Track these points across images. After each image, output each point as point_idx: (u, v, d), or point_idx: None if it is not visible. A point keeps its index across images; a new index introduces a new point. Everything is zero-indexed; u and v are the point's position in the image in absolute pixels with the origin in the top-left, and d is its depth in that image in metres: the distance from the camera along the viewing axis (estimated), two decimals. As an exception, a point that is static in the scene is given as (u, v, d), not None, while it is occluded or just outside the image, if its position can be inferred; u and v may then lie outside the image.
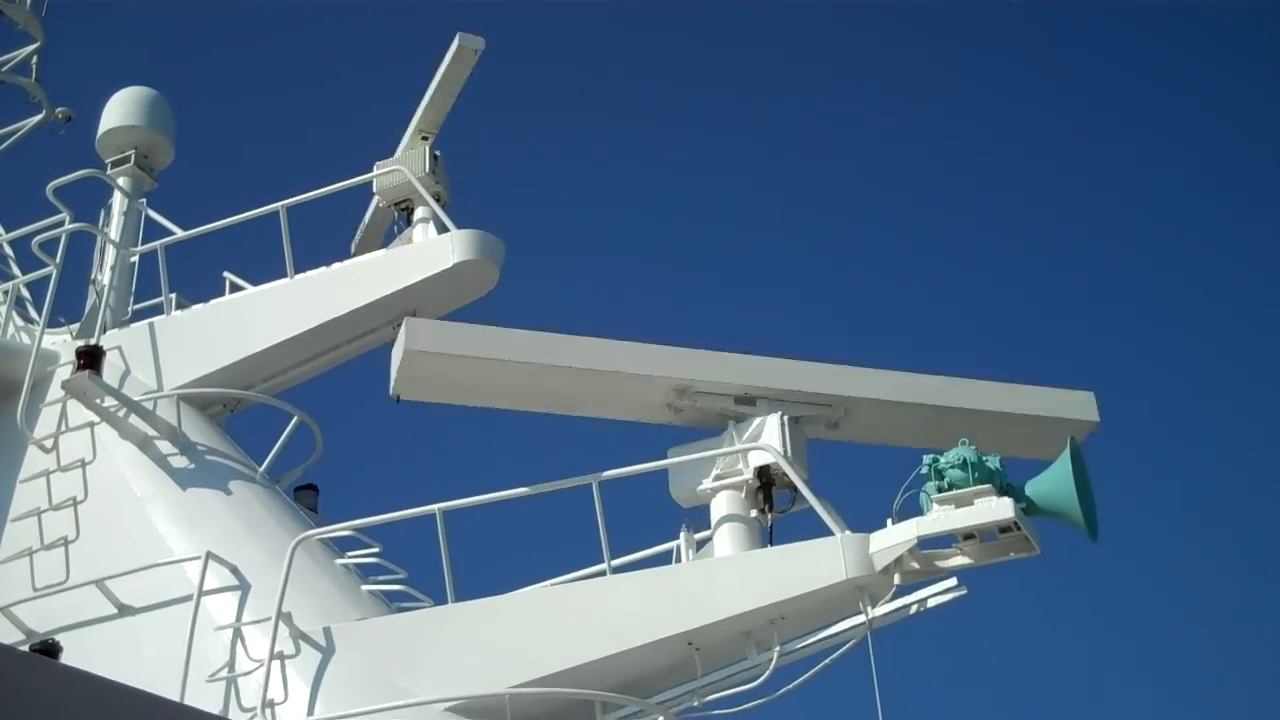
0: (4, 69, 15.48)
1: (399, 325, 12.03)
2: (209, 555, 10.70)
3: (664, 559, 10.54)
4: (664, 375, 10.61)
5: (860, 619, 9.65)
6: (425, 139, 12.60)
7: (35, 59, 15.52)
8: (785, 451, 10.24)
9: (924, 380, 10.96)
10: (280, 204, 12.33)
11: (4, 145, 15.38)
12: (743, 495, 10.30)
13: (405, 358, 10.40)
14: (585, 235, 32.50)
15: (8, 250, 14.06)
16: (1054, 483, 9.70)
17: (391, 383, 10.50)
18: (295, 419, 12.03)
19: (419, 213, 12.48)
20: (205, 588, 10.58)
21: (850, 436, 10.91)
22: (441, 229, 12.14)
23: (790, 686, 9.84)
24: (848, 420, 10.76)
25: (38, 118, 15.42)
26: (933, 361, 11.23)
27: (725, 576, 9.85)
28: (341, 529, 10.97)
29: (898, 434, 10.97)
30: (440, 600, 10.35)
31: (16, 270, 13.86)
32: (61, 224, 12.77)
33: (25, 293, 13.60)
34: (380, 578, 10.94)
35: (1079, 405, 11.05)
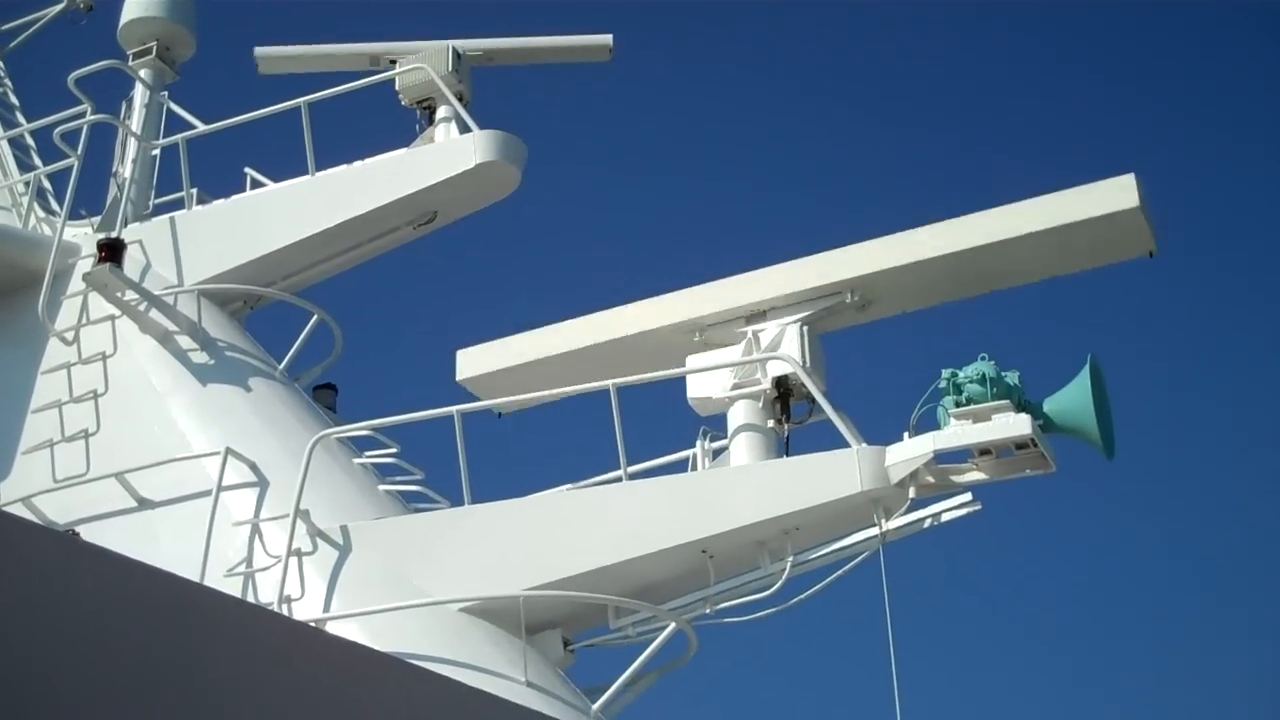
0: (25, -44, 15.31)
1: (420, 225, 12.11)
2: (228, 451, 10.76)
3: (680, 467, 10.57)
4: (675, 323, 10.86)
5: (874, 531, 9.69)
6: (479, 60, 12.52)
7: (55, -53, 15.33)
8: (804, 362, 10.22)
9: (930, 234, 10.33)
10: (302, 99, 12.22)
11: (25, 35, 15.24)
12: (760, 405, 10.31)
13: (469, 384, 11.48)
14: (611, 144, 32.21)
15: (29, 141, 14.00)
16: (1072, 400, 9.68)
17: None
18: (315, 317, 12.04)
19: (441, 112, 12.39)
20: (224, 483, 10.65)
21: (882, 313, 10.69)
22: (464, 129, 12.06)
23: (802, 596, 9.92)
24: (872, 300, 10.59)
25: (59, 7, 15.21)
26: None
27: (740, 485, 9.89)
28: (360, 428, 11.01)
29: (928, 296, 10.59)
30: (457, 502, 10.42)
31: (38, 161, 13.81)
32: (83, 115, 12.67)
33: (46, 184, 13.54)
34: (398, 478, 11.00)
35: (1116, 194, 9.88)
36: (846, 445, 9.76)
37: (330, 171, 12.28)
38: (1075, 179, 10.15)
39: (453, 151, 11.95)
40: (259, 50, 13.31)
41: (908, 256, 10.41)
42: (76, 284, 12.21)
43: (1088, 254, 10.28)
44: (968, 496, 9.72)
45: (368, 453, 11.11)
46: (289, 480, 10.48)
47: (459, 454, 10.17)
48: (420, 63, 12.46)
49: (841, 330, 10.75)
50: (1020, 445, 9.55)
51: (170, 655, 6.20)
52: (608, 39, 12.92)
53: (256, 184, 12.56)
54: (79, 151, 12.61)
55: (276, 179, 12.49)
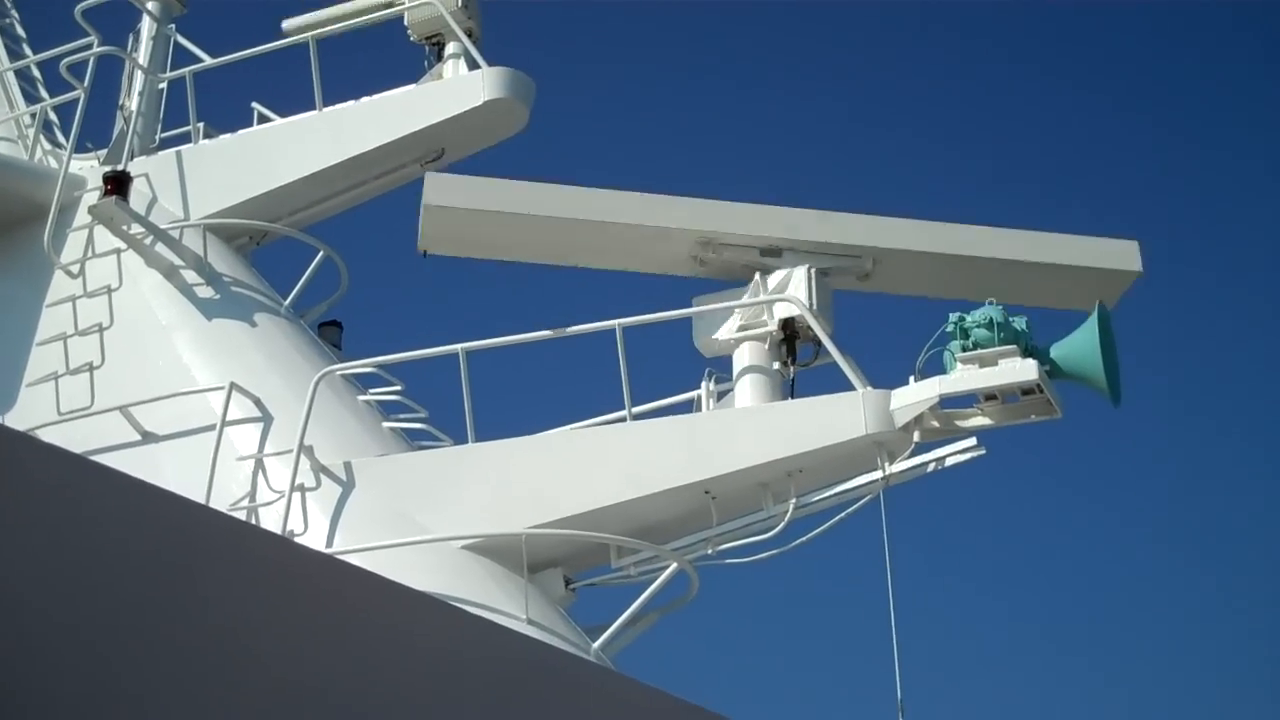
0: (33, -115, 15.16)
1: (427, 162, 12.04)
2: (232, 386, 10.74)
3: (685, 408, 10.55)
4: (688, 228, 10.57)
5: (877, 475, 9.68)
6: None
7: (63, -125, 15.18)
8: (811, 304, 10.19)
9: (957, 231, 10.79)
10: (310, 34, 12.15)
11: (32, -35, 15.15)
12: (766, 347, 10.28)
13: (427, 214, 10.50)
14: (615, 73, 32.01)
15: (35, 73, 13.91)
16: (1079, 346, 9.66)
17: (419, 239, 10.53)
18: (321, 253, 11.99)
19: (450, 48, 12.30)
20: (228, 418, 10.64)
21: (880, 288, 10.82)
22: (473, 66, 11.99)
23: (804, 539, 9.92)
24: (878, 271, 10.68)
25: (67, -63, 15.12)
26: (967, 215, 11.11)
27: (744, 427, 9.88)
28: (365, 365, 11.00)
29: (929, 285, 10.86)
30: (461, 440, 10.41)
31: (44, 93, 13.73)
32: (90, 47, 12.59)
33: (53, 116, 13.47)
34: (402, 416, 10.99)
35: (1121, 255, 10.79)
36: (852, 388, 9.75)
37: (338, 107, 12.21)
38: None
39: (461, 88, 11.87)
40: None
41: (931, 246, 10.62)
42: (82, 217, 12.17)
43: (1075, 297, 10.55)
44: (972, 441, 9.70)
45: (372, 390, 11.10)
46: (293, 416, 10.47)
47: (463, 392, 10.17)
48: (429, -1, 12.37)
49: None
50: (1026, 391, 9.52)
51: (177, 577, 6.21)
52: None
53: (264, 119, 12.51)
54: (85, 84, 12.52)
55: (284, 114, 12.43)
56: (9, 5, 14.82)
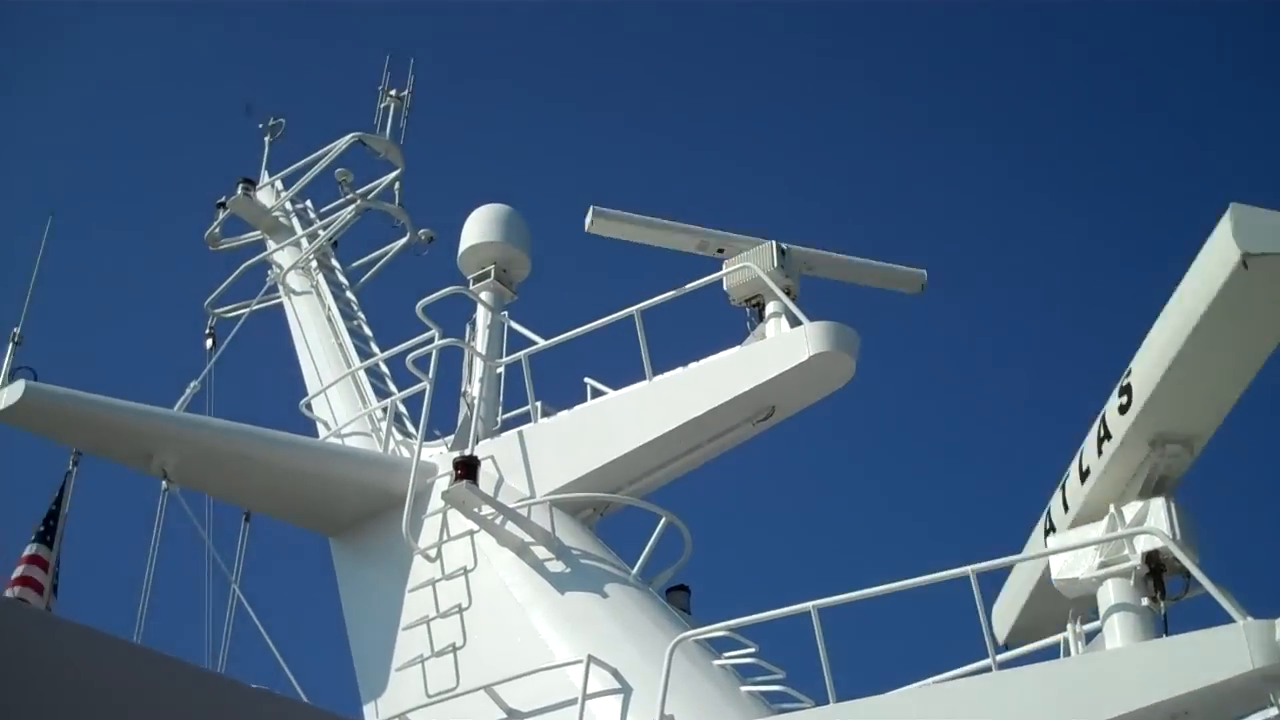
0: (370, 196, 16.40)
1: (758, 421, 12.20)
2: (590, 659, 10.91)
3: (1051, 653, 10.16)
4: None
5: (1271, 712, 9.05)
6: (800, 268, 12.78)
7: (397, 185, 16.39)
8: (1174, 535, 9.75)
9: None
10: (635, 308, 12.61)
11: (375, 269, 16.28)
12: (1131, 582, 9.85)
13: None
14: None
15: (384, 369, 14.82)
16: None
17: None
18: (664, 520, 12.20)
19: (770, 307, 12.57)
20: (588, 691, 10.78)
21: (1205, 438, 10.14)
22: (794, 323, 12.19)
23: (1200, 788, 9.28)
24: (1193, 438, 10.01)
25: (403, 241, 16.25)
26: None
27: (1120, 670, 9.40)
28: (718, 629, 11.01)
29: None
30: (821, 700, 10.24)
31: (393, 387, 14.59)
32: (431, 340, 13.35)
33: (402, 408, 14.26)
34: (759, 678, 10.93)
35: None
36: (1230, 620, 9.21)
37: (668, 375, 12.56)
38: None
39: (786, 345, 12.07)
40: (594, 209, 13.23)
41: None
42: (435, 502, 12.75)
43: None
44: (1374, 670, 8.99)
45: (727, 653, 11.09)
46: (652, 686, 10.53)
47: (819, 650, 10.03)
48: (746, 261, 12.71)
49: (1210, 497, 10.25)
50: None
51: None
52: (921, 273, 13.27)
53: (597, 392, 12.94)
54: (430, 375, 13.27)
55: (616, 386, 12.84)
56: (356, 308, 15.93)
